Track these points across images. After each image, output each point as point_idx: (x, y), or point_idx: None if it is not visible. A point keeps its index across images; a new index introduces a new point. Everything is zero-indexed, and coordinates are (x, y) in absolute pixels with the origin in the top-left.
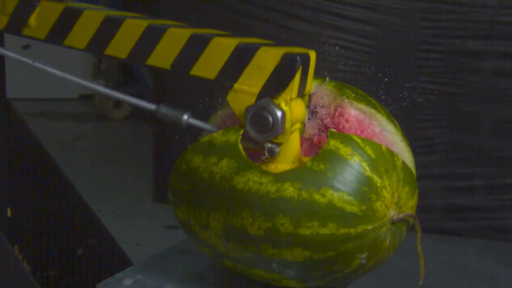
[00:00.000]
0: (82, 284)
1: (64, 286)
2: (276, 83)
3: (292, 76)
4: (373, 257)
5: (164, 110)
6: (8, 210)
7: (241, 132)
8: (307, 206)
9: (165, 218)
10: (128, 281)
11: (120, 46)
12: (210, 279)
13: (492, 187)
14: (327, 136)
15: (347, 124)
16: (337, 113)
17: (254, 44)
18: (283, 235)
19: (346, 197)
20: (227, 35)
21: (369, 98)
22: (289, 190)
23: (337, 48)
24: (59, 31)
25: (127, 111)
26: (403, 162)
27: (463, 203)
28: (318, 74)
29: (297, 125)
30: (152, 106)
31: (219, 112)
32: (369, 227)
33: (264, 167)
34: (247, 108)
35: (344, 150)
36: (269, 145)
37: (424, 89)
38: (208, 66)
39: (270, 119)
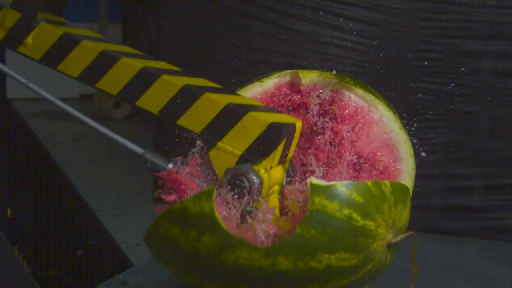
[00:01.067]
0: (82, 284)
1: (64, 286)
2: (259, 150)
3: (275, 147)
4: (375, 279)
5: (150, 156)
6: (8, 210)
7: (213, 198)
8: (305, 275)
9: None
10: (129, 283)
11: (112, 83)
12: None
13: (492, 187)
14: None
15: (346, 112)
16: (336, 100)
17: (243, 107)
18: None
19: (342, 255)
20: (219, 90)
21: (368, 87)
22: (284, 263)
23: (337, 48)
24: (54, 56)
25: (127, 111)
26: (391, 184)
27: (463, 203)
28: None
29: (275, 187)
30: (139, 150)
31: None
32: (369, 266)
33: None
34: (226, 170)
35: (332, 207)
36: (247, 207)
37: (424, 89)
38: (195, 119)
39: (247, 185)
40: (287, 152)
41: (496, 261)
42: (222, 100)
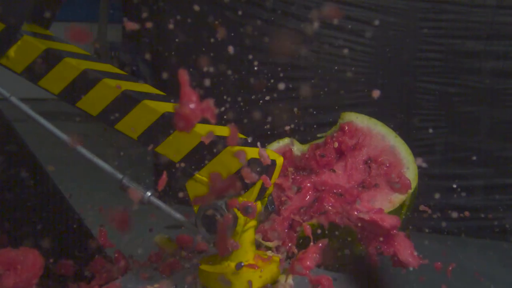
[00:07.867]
0: None
1: None
2: (237, 186)
3: (253, 183)
4: None
5: (127, 183)
6: None
7: None
8: None
9: (165, 219)
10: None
11: (92, 103)
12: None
13: (492, 187)
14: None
15: (347, 127)
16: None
17: (223, 141)
18: None
19: None
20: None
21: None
22: None
23: (337, 48)
24: (36, 71)
25: None
26: None
27: (462, 203)
28: (317, 76)
29: (252, 223)
30: (119, 176)
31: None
32: None
33: (217, 263)
34: (201, 206)
35: None
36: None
37: (424, 89)
38: (174, 148)
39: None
40: (266, 188)
41: (496, 261)
42: (202, 130)
